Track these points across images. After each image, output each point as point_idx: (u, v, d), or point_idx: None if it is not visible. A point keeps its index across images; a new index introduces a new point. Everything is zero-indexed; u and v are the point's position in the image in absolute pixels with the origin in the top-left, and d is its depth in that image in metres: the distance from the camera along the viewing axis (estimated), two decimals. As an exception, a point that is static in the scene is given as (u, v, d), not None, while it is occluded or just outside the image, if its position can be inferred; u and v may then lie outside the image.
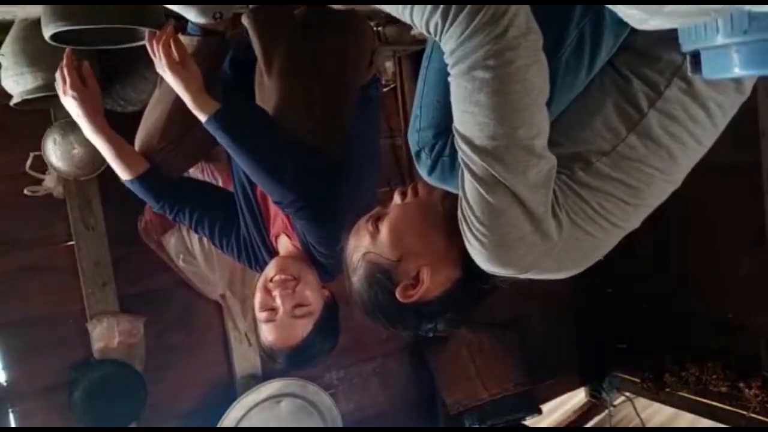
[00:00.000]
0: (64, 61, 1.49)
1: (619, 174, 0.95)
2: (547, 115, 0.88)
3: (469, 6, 0.79)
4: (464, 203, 0.92)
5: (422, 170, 1.03)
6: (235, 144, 1.41)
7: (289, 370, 1.62)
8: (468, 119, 0.85)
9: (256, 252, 1.68)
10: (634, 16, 0.75)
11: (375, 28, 2.39)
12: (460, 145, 0.89)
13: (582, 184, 0.94)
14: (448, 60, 0.85)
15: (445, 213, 1.06)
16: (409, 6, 0.85)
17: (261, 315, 1.51)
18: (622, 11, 0.77)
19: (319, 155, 1.48)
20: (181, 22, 1.47)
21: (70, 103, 1.51)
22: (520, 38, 0.81)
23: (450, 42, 0.83)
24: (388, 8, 0.90)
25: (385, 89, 2.68)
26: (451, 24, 0.81)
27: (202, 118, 1.41)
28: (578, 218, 0.95)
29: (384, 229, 1.09)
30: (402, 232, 1.08)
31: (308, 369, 1.60)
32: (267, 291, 1.51)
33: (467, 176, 0.89)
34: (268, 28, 1.46)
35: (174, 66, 1.38)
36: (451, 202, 1.03)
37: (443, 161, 0.98)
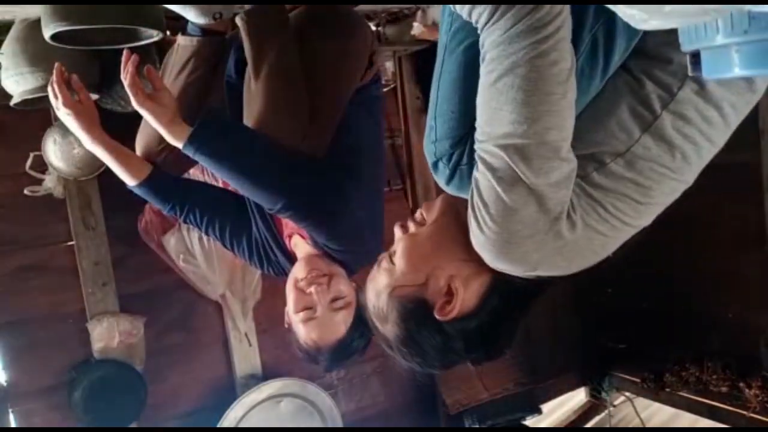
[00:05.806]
0: (54, 77, 1.47)
1: (633, 174, 0.95)
2: (574, 119, 0.89)
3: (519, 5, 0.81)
4: (477, 200, 0.92)
5: (440, 180, 1.03)
6: (216, 163, 1.41)
7: (332, 368, 1.61)
8: (500, 116, 0.86)
9: (269, 253, 1.67)
10: (634, 16, 0.75)
11: (375, 28, 2.39)
12: (483, 144, 0.89)
13: (595, 185, 0.95)
14: (489, 52, 0.85)
15: (455, 222, 1.04)
16: None
17: (298, 316, 1.48)
18: (622, 11, 0.77)
19: (300, 157, 1.47)
20: (181, 22, 1.47)
21: (65, 119, 1.51)
22: (563, 42, 0.83)
23: (495, 33, 0.84)
24: None
25: (385, 89, 2.68)
26: (501, 16, 0.82)
27: (179, 146, 1.41)
28: (591, 219, 0.95)
29: (399, 258, 1.05)
30: (420, 252, 1.05)
31: (348, 365, 1.59)
32: (300, 290, 1.49)
33: (484, 174, 0.89)
34: (259, 30, 1.45)
35: (142, 102, 1.37)
36: (458, 211, 1.02)
37: (461, 170, 0.98)
